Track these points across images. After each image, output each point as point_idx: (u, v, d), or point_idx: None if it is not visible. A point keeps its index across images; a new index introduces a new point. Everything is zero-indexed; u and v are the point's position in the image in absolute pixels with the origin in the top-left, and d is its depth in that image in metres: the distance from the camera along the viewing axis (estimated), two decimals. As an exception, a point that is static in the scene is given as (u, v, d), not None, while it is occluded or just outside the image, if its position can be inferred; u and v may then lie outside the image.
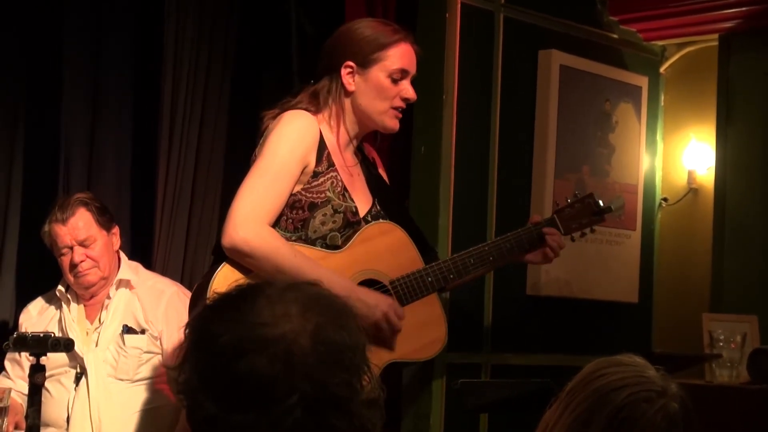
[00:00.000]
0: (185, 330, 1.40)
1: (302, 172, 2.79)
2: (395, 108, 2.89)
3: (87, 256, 3.31)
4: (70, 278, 3.35)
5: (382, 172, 3.11)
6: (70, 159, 3.85)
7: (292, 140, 2.77)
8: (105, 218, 3.37)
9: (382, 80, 2.85)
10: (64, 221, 3.30)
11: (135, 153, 4.01)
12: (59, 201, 3.36)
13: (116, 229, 3.44)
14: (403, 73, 2.87)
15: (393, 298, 2.85)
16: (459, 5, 3.94)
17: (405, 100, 2.89)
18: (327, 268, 2.75)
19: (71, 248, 3.31)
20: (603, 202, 3.21)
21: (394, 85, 2.86)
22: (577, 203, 3.17)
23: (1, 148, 3.79)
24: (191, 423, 1.35)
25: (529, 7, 4.20)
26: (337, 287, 2.62)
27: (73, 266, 3.32)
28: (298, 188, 2.79)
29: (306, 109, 2.84)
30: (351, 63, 2.84)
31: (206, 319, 1.37)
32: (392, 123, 2.91)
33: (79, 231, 3.30)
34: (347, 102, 2.88)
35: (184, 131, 3.97)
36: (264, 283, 1.40)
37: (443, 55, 3.91)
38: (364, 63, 2.84)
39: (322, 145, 2.82)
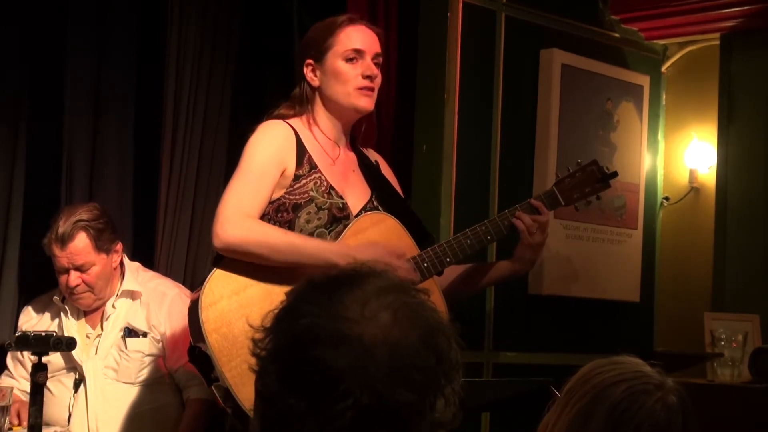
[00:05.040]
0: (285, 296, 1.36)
1: (282, 176, 2.82)
2: (360, 88, 2.88)
3: (82, 280, 3.31)
4: (67, 296, 3.37)
5: (387, 173, 3.11)
6: (72, 160, 3.85)
7: (265, 146, 2.83)
8: (105, 240, 3.33)
9: (338, 64, 2.88)
10: (62, 245, 3.27)
11: (137, 154, 4.01)
12: (62, 217, 3.31)
13: (119, 246, 3.41)
14: (357, 52, 2.88)
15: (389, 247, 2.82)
16: (461, 4, 3.95)
17: (368, 78, 2.89)
18: (319, 240, 2.78)
19: (68, 271, 3.31)
20: (608, 168, 3.14)
21: (352, 65, 2.88)
22: (579, 172, 3.09)
23: (3, 148, 3.79)
24: (255, 389, 1.34)
25: (531, 6, 4.21)
26: (333, 255, 2.69)
27: (69, 287, 3.32)
28: (281, 193, 2.83)
29: (285, 116, 2.90)
30: (310, 60, 2.91)
31: (298, 296, 1.33)
32: (363, 102, 2.90)
33: (77, 257, 3.29)
34: (317, 98, 2.93)
35: (187, 131, 3.97)
36: (372, 274, 1.34)
37: (445, 53, 3.92)
38: (319, 56, 2.90)
39: (301, 149, 2.86)
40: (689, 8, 4.35)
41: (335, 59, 2.88)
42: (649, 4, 4.45)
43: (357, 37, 2.90)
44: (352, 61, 2.88)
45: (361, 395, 1.24)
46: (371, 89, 2.91)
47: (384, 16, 3.88)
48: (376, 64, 2.91)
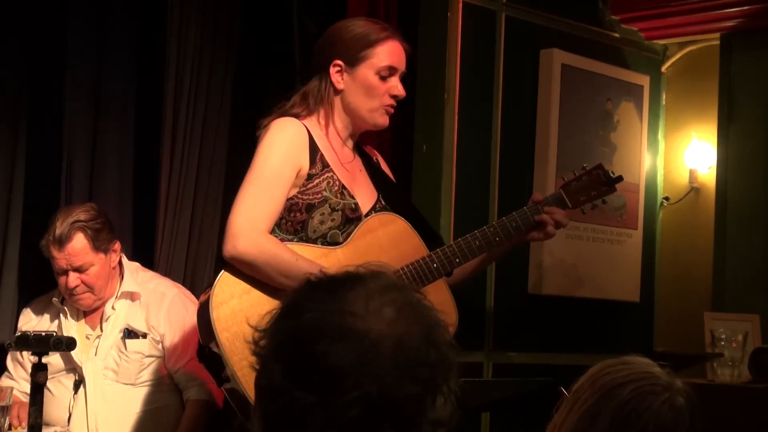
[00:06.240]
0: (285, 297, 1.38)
1: (296, 176, 2.81)
2: (385, 105, 2.90)
3: (81, 281, 3.31)
4: (66, 297, 3.37)
5: (386, 170, 3.12)
6: (72, 160, 3.85)
7: (280, 147, 2.80)
8: (102, 240, 3.33)
9: (371, 78, 2.87)
10: (60, 246, 3.27)
11: (137, 154, 4.01)
12: (59, 218, 3.30)
13: (117, 246, 3.40)
14: (391, 70, 2.88)
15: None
16: (461, 4, 3.95)
17: (394, 97, 2.91)
18: (329, 267, 2.75)
19: (66, 272, 3.31)
20: (613, 173, 3.14)
21: (383, 83, 2.88)
22: (585, 175, 3.10)
23: (3, 148, 3.79)
24: (256, 387, 1.35)
25: (531, 6, 4.20)
26: None
27: (68, 288, 3.32)
28: (293, 192, 2.81)
29: (298, 113, 2.87)
30: (339, 62, 2.87)
31: (300, 293, 1.36)
32: (382, 120, 2.92)
33: (75, 258, 3.28)
34: (337, 101, 2.90)
35: (187, 132, 3.97)
36: (371, 275, 1.37)
37: (445, 53, 3.92)
38: (352, 61, 2.86)
39: (313, 148, 2.84)
40: (689, 8, 4.35)
41: (369, 71, 2.86)
42: (649, 4, 4.45)
43: (395, 55, 2.90)
44: (384, 78, 2.88)
45: (368, 388, 1.27)
46: (394, 107, 2.93)
47: (384, 16, 3.88)
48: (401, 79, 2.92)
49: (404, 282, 1.43)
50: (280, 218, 2.81)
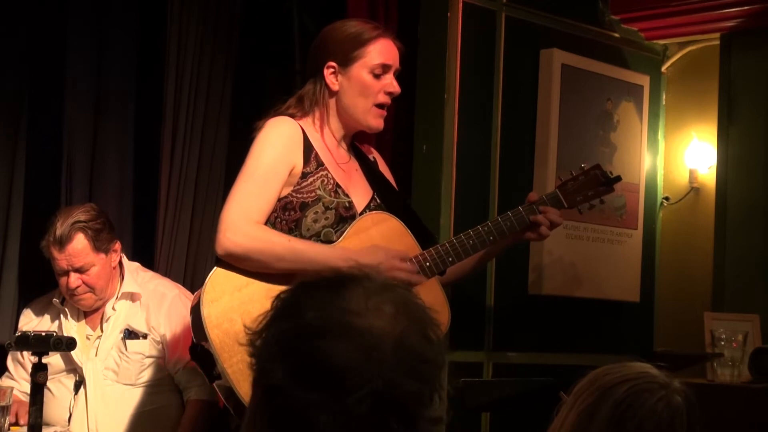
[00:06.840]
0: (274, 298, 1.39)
1: (290, 174, 2.82)
2: (379, 104, 2.92)
3: (83, 281, 3.31)
4: (67, 297, 3.36)
5: (384, 169, 3.12)
6: (72, 160, 3.85)
7: (274, 144, 2.82)
8: (103, 240, 3.33)
9: (364, 77, 2.89)
10: (60, 246, 3.27)
11: (137, 154, 4.01)
12: (59, 219, 3.30)
13: (117, 245, 3.41)
14: (385, 67, 2.90)
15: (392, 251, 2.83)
16: (461, 4, 3.94)
17: (389, 94, 2.92)
18: (322, 245, 2.78)
19: (67, 273, 3.30)
20: (612, 173, 3.14)
21: (377, 81, 2.90)
22: (582, 176, 3.10)
23: (4, 148, 3.79)
24: (254, 388, 1.36)
25: (531, 6, 4.20)
26: (336, 259, 2.69)
27: (69, 289, 3.31)
28: (288, 190, 2.82)
29: (293, 114, 2.89)
30: (333, 63, 2.89)
31: (298, 293, 1.37)
32: (376, 122, 2.94)
33: (76, 259, 3.28)
34: (332, 102, 2.92)
35: (187, 132, 3.98)
36: (365, 275, 1.39)
37: (445, 53, 3.92)
38: (345, 62, 2.88)
39: (308, 147, 2.85)
40: (689, 8, 4.35)
41: (362, 70, 2.88)
42: (649, 4, 4.44)
43: (388, 52, 2.92)
44: (377, 76, 2.89)
45: (375, 385, 1.28)
46: (387, 107, 2.94)
47: (384, 16, 3.88)
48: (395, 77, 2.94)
49: (396, 281, 1.44)
50: (275, 217, 2.82)
